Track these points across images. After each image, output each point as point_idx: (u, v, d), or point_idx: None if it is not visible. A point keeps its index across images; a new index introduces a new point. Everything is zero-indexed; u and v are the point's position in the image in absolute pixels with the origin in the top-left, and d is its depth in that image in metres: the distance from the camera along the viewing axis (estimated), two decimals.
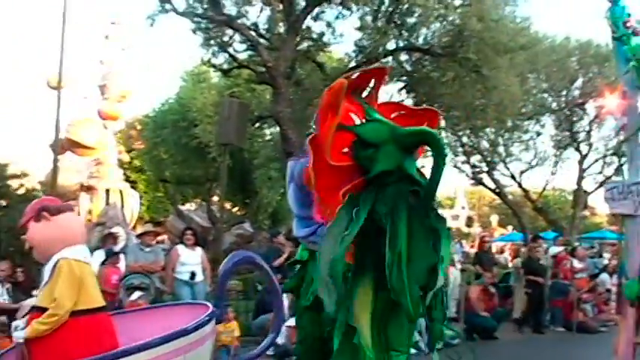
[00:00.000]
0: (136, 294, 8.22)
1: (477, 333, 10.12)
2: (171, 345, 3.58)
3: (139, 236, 10.34)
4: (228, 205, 17.64)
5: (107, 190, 14.95)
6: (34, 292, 8.56)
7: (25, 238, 3.88)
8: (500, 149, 20.45)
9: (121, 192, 15.20)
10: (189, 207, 21.12)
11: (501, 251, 18.99)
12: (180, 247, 9.25)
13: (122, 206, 14.76)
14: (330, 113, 3.41)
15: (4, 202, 11.56)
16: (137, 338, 3.73)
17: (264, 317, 8.60)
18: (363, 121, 3.63)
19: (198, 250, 9.40)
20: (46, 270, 3.74)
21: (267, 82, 13.73)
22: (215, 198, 20.59)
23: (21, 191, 12.07)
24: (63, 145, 13.96)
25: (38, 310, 3.64)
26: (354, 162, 3.59)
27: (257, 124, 15.82)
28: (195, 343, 3.71)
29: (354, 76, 3.53)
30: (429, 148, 3.54)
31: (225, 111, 10.59)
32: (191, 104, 17.55)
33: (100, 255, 9.36)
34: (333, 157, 3.46)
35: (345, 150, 3.56)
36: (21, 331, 3.61)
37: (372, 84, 3.67)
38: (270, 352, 8.61)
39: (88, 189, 14.90)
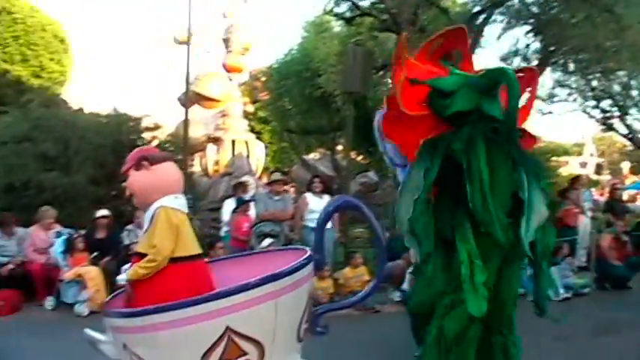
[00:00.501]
0: (267, 241, 8.51)
1: (609, 282, 9.81)
2: (260, 290, 3.62)
3: (268, 184, 10.59)
4: (352, 154, 17.86)
5: (233, 141, 15.63)
6: None
7: (125, 185, 4.06)
8: (634, 93, 19.14)
9: (246, 143, 15.84)
10: (313, 156, 21.58)
11: (633, 199, 18.09)
12: (308, 195, 9.36)
13: (248, 156, 15.41)
14: (398, 68, 3.52)
15: None
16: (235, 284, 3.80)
17: (391, 264, 8.62)
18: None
19: (326, 197, 9.47)
20: (145, 217, 3.93)
21: (391, 29, 13.63)
22: (339, 147, 20.93)
23: (154, 143, 12.66)
24: (190, 99, 14.71)
25: (139, 256, 3.84)
26: (429, 112, 3.69)
27: (381, 72, 15.82)
28: (287, 288, 3.71)
29: (435, 40, 3.62)
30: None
31: (349, 59, 10.66)
32: (314, 54, 17.79)
33: (231, 203, 9.83)
34: (408, 107, 3.57)
35: (421, 103, 3.68)
36: (124, 274, 3.89)
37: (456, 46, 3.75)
38: (397, 297, 8.88)
39: (215, 140, 15.65)
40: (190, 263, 3.90)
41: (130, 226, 9.42)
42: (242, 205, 9.25)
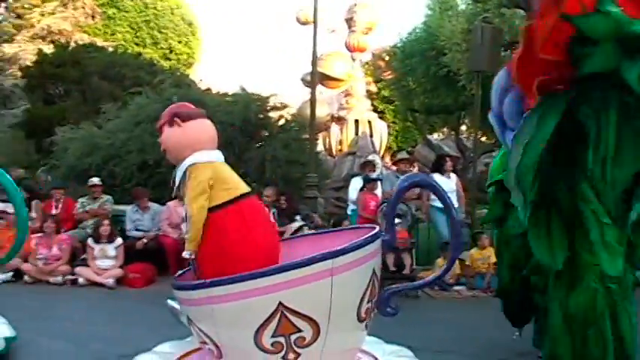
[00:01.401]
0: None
1: None
2: (314, 267, 3.63)
3: (394, 163, 10.81)
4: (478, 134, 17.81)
5: (356, 121, 16.05)
6: (297, 217, 9.84)
7: (160, 141, 4.17)
8: None
9: (369, 122, 16.22)
10: (437, 136, 21.63)
11: None
12: (436, 175, 9.36)
13: (371, 136, 15.79)
14: (553, 7, 3.26)
15: (266, 133, 12.68)
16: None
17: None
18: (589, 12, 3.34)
19: (453, 177, 9.59)
20: (178, 173, 4.06)
21: (519, 6, 13.47)
22: (463, 127, 20.82)
23: (280, 122, 13.25)
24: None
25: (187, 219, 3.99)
26: (565, 58, 3.41)
27: (508, 50, 15.63)
28: (345, 266, 3.69)
29: None
30: None
31: (476, 37, 10.68)
32: (439, 32, 17.80)
33: (358, 182, 10.01)
34: (545, 50, 3.34)
35: (559, 45, 3.36)
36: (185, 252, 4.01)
37: None
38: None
39: (338, 120, 16.14)
40: (239, 203, 3.96)
41: None
42: (369, 183, 9.43)
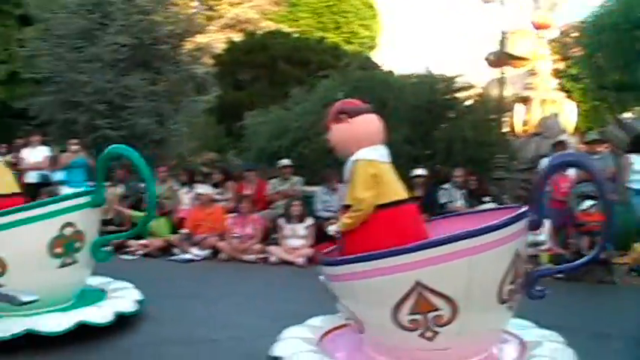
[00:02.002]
0: (587, 203, 8.43)
1: None
2: (452, 246, 3.66)
3: (585, 144, 10.28)
4: None
5: (542, 101, 15.70)
6: (486, 199, 9.93)
7: (328, 138, 4.34)
8: None
9: (556, 102, 15.80)
10: (630, 115, 20.45)
11: None
12: (632, 156, 9.22)
13: (558, 116, 15.36)
14: None
15: (452, 114, 12.74)
16: None
17: None
18: None
19: None
20: (346, 169, 4.20)
21: None
22: None
23: (467, 103, 13.26)
24: (498, 58, 15.16)
25: (345, 207, 4.20)
26: None
27: None
28: (484, 246, 3.68)
29: None
30: None
31: None
32: (634, 4, 16.84)
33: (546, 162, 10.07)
34: None
35: None
36: (334, 225, 4.29)
37: None
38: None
39: (523, 100, 15.86)
40: (393, 209, 4.10)
41: (445, 185, 10.07)
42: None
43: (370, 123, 4.25)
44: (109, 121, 13.01)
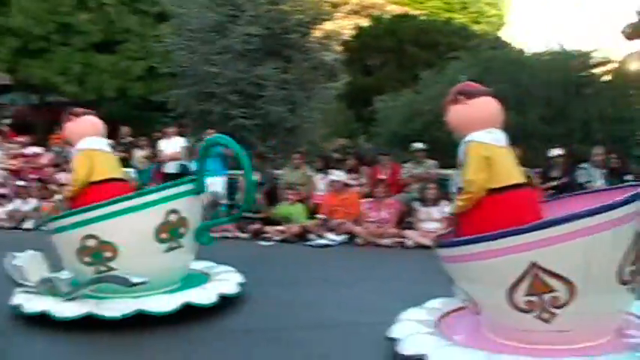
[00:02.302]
0: None
1: None
2: (567, 227, 3.64)
3: None
4: None
5: None
6: (627, 177, 9.44)
7: (446, 120, 4.34)
8: None
9: None
10: None
11: None
12: None
13: None
14: None
15: (589, 90, 12.31)
16: None
17: None
18: None
19: None
20: (459, 151, 4.20)
21: None
22: None
23: (605, 78, 12.69)
24: (636, 30, 14.27)
25: (460, 190, 4.24)
26: None
27: None
28: (601, 226, 3.62)
29: None
30: None
31: None
32: None
33: None
34: None
35: None
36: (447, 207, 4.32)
37: None
38: None
39: None
40: (508, 193, 4.08)
41: (584, 165, 9.76)
42: None
43: (487, 105, 4.26)
44: (243, 111, 13.43)
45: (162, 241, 5.60)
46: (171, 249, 5.66)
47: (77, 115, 6.26)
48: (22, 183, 12.78)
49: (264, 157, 11.77)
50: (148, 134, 13.63)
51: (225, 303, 5.66)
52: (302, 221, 10.17)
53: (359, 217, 9.89)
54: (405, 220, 9.95)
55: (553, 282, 3.73)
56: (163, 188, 5.93)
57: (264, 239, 9.94)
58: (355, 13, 24.85)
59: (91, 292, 5.51)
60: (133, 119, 17.15)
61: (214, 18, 14.12)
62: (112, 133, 16.26)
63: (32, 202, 12.07)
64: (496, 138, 4.17)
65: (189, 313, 5.29)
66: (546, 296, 3.76)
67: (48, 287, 5.58)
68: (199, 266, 6.42)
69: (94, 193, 5.81)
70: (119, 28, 18.48)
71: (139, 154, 12.99)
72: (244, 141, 13.04)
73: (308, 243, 9.70)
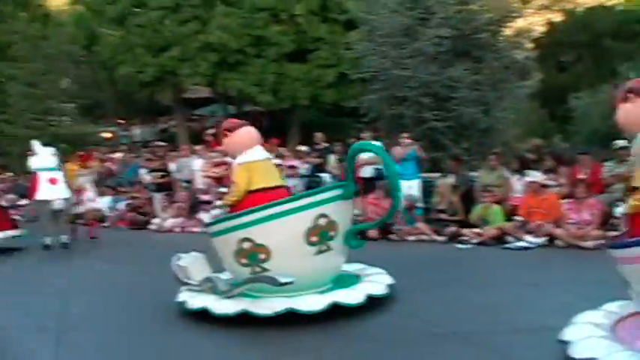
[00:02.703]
0: None
1: None
2: None
3: None
4: None
5: None
6: None
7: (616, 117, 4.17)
8: None
9: None
10: None
11: None
12: None
13: None
14: None
15: None
16: None
17: None
18: None
19: None
20: (632, 149, 4.03)
21: None
22: None
23: None
24: None
25: (634, 189, 4.07)
26: None
27: None
28: None
29: None
30: None
31: None
32: None
33: None
34: None
35: None
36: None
37: None
38: None
39: None
40: None
41: None
42: None
43: None
44: (435, 113, 13.61)
45: (312, 244, 5.92)
46: (321, 252, 5.99)
47: (232, 129, 6.62)
48: (224, 190, 13.85)
49: (458, 160, 11.87)
50: (342, 140, 14.20)
51: (412, 305, 5.96)
52: (499, 223, 10.16)
53: (559, 218, 9.68)
54: (608, 221, 9.57)
55: None
56: (313, 194, 6.24)
57: (461, 242, 9.98)
58: (546, 8, 24.16)
59: (247, 291, 6.00)
60: (326, 125, 18.00)
61: (404, 22, 14.43)
62: (306, 140, 17.31)
63: None
64: None
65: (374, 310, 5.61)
66: None
67: (209, 286, 6.17)
68: (352, 268, 6.76)
69: (252, 201, 6.24)
70: (310, 37, 19.45)
71: (333, 159, 13.61)
72: (437, 143, 13.28)
73: (506, 246, 9.63)
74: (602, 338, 4.18)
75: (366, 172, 12.28)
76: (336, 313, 5.65)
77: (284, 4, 19.46)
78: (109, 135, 24.92)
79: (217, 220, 6.55)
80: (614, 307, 4.72)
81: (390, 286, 6.33)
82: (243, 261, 6.03)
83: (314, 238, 5.91)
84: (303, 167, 14.21)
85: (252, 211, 5.98)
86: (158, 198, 14.07)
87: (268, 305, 5.71)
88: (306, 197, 6.10)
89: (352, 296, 5.85)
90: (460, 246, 9.86)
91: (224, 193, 13.34)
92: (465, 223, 10.41)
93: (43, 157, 11.42)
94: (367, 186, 11.76)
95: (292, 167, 12.90)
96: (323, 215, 5.91)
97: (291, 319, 5.56)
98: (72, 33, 23.79)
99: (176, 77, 21.24)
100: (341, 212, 6.08)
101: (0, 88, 24.70)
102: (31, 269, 9.53)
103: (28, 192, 12.32)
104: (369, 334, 5.45)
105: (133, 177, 14.76)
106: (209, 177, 14.68)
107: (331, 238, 6.00)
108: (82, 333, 5.89)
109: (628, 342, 4.14)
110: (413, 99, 13.90)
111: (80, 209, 12.17)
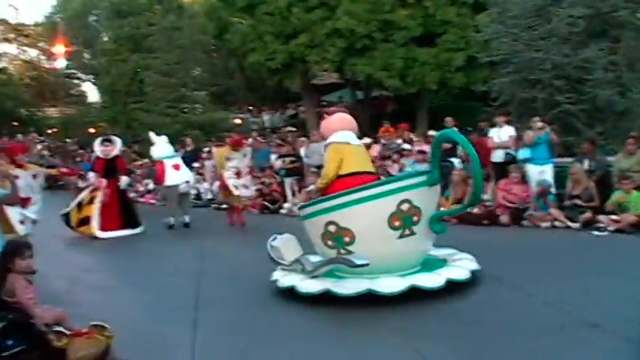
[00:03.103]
0: None
1: None
2: None
3: None
4: None
5: None
6: None
7: None
8: None
9: None
10: None
11: None
12: None
13: None
14: None
15: None
16: None
17: None
18: None
19: None
20: None
21: None
22: None
23: None
24: None
25: None
26: None
27: None
28: None
29: None
30: None
31: None
32: None
33: None
34: None
35: None
36: None
37: None
38: None
39: None
40: None
41: None
42: None
43: None
44: (569, 96, 13.35)
45: (395, 228, 6.30)
46: (404, 236, 6.33)
47: (330, 113, 7.28)
48: None
49: (593, 143, 11.65)
50: (471, 124, 14.24)
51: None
52: (638, 210, 9.95)
53: None
54: None
55: None
56: (396, 180, 6.70)
57: (597, 229, 9.84)
58: None
59: (333, 272, 6.51)
60: (455, 110, 18.02)
61: (536, 2, 14.20)
62: (434, 124, 17.43)
63: None
64: None
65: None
66: None
67: (298, 266, 6.67)
68: (440, 253, 7.10)
69: (341, 185, 6.68)
70: (438, 20, 19.47)
71: None
72: (571, 127, 13.06)
73: None
74: None
75: (498, 156, 12.31)
76: (453, 293, 6.08)
77: None
78: (239, 121, 25.96)
79: (307, 204, 7.00)
80: None
81: (475, 271, 6.61)
82: (330, 243, 6.51)
83: (397, 223, 6.31)
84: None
85: (338, 196, 6.46)
86: (288, 183, 14.68)
87: (349, 286, 6.18)
88: (389, 183, 6.53)
89: (432, 280, 6.22)
90: (596, 233, 9.76)
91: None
92: (601, 210, 10.27)
93: (161, 146, 12.44)
94: (499, 171, 11.81)
95: (422, 152, 13.09)
96: (406, 201, 6.30)
97: (371, 300, 6.00)
98: (203, 23, 24.99)
99: (304, 64, 21.84)
100: (425, 198, 6.44)
101: (137, 78, 26.43)
102: (164, 253, 10.25)
103: (156, 178, 13.41)
104: (492, 319, 5.64)
105: (264, 162, 15.40)
106: None
107: (415, 223, 6.38)
108: (212, 313, 6.45)
109: None
110: (545, 82, 13.68)
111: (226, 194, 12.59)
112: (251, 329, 5.82)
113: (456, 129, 13.85)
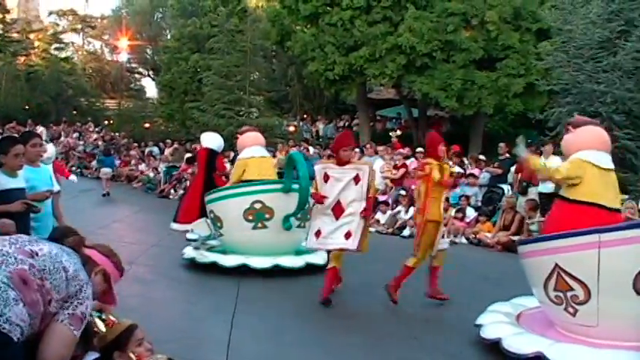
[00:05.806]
0: None
1: None
2: (583, 239, 5.08)
3: None
4: None
5: None
6: None
7: None
8: None
9: None
10: None
11: None
12: None
13: None
14: None
15: None
16: None
17: None
18: None
19: None
20: None
21: None
22: None
23: None
24: None
25: None
26: None
27: None
28: (614, 242, 4.85)
29: None
30: None
31: None
32: None
33: None
34: None
35: None
36: None
37: None
38: None
39: None
40: None
41: None
42: None
43: None
44: (628, 132, 13.20)
45: (249, 221, 8.86)
46: (256, 228, 8.91)
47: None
48: (402, 192, 14.34)
49: None
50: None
51: None
52: None
53: None
54: None
55: (571, 282, 5.10)
56: (253, 184, 8.99)
57: None
58: None
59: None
60: (509, 135, 17.89)
61: (602, 34, 14.07)
62: (486, 149, 17.36)
63: (412, 211, 13.37)
64: None
65: None
66: (569, 293, 5.14)
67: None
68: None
69: None
70: (500, 45, 19.39)
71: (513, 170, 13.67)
72: (627, 164, 12.89)
73: None
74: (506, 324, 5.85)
75: (546, 187, 12.20)
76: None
77: (476, 10, 19.53)
78: (292, 128, 26.20)
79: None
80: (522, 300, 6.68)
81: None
82: (213, 225, 9.58)
83: (250, 217, 8.82)
84: (482, 176, 14.40)
85: (219, 190, 9.50)
86: None
87: (257, 262, 8.61)
88: (247, 187, 9.01)
89: (294, 261, 8.80)
90: None
91: (401, 195, 13.94)
92: None
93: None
94: (546, 202, 11.68)
95: (472, 176, 13.11)
96: (259, 201, 8.79)
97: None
98: (266, 29, 25.32)
99: (363, 76, 21.95)
100: (277, 201, 8.78)
101: (195, 77, 26.93)
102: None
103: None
104: None
105: (312, 172, 15.47)
106: (387, 178, 15.24)
107: (267, 219, 8.84)
108: (250, 315, 6.76)
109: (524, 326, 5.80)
110: (604, 115, 13.54)
111: None
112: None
113: (508, 155, 13.89)
